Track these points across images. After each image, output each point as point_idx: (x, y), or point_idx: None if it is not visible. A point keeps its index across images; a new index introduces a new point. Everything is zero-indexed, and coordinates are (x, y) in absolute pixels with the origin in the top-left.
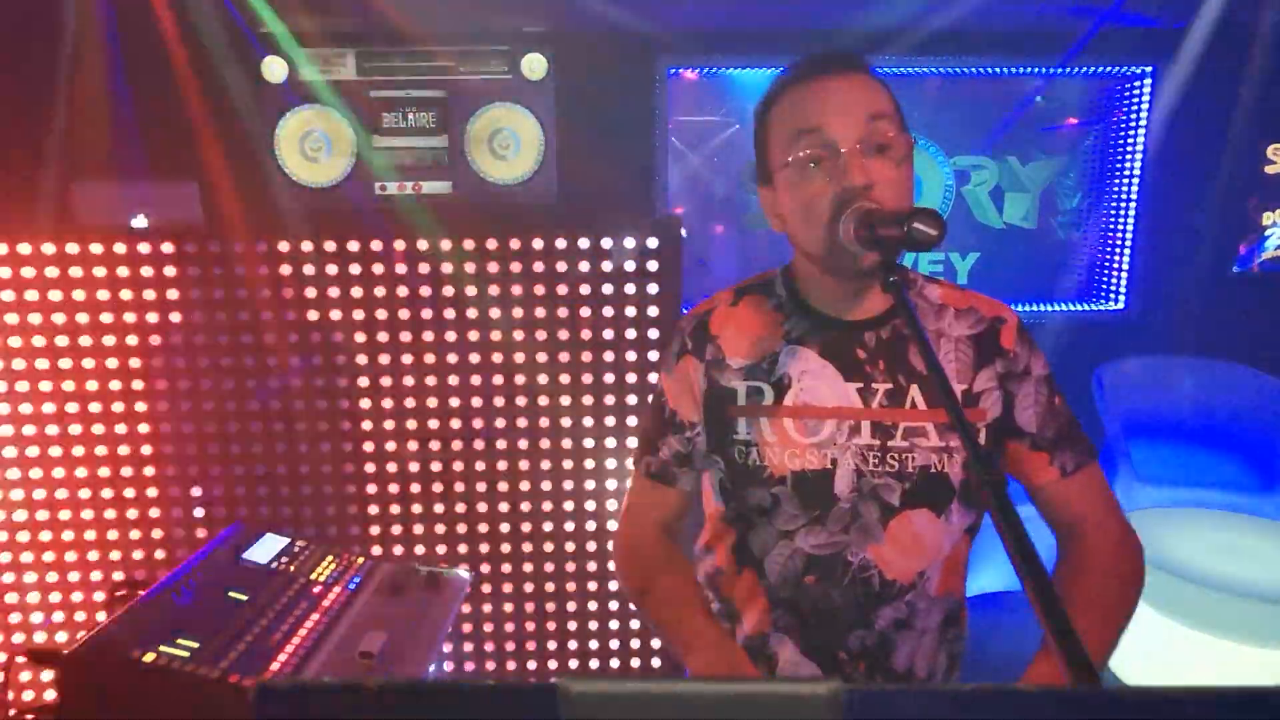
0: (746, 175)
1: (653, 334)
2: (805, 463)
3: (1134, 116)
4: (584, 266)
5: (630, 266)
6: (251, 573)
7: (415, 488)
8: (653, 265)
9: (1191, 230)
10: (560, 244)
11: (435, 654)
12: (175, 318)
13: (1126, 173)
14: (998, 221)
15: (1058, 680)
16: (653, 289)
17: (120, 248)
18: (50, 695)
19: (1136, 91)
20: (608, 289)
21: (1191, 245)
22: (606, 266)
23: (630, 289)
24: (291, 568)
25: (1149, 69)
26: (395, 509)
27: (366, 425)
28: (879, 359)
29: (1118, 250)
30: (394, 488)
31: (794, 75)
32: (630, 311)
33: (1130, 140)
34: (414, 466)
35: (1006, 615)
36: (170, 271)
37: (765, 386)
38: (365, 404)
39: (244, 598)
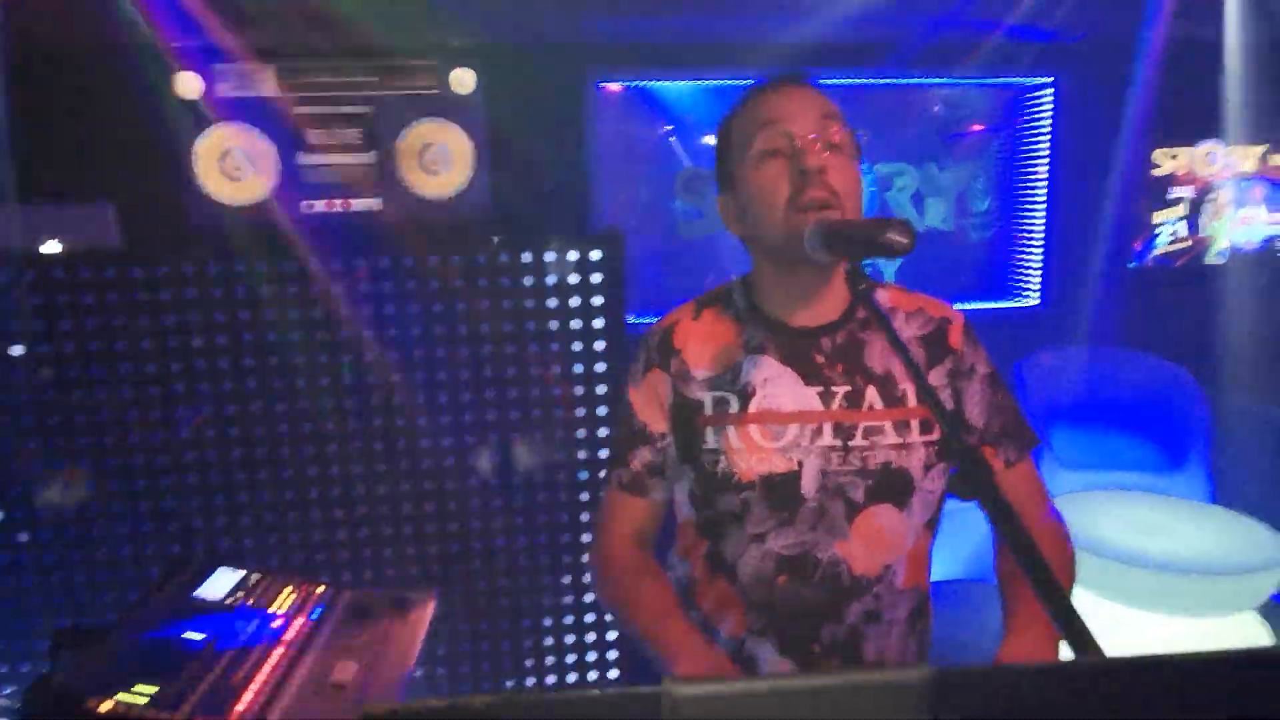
0: (679, 185)
1: (598, 346)
2: (772, 466)
3: (1038, 124)
4: (528, 281)
5: (574, 279)
6: (206, 610)
7: (363, 509)
8: (597, 278)
9: (1094, 229)
10: (503, 259)
11: (408, 679)
12: (94, 346)
13: (1035, 177)
14: (919, 225)
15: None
16: (597, 301)
17: (30, 275)
18: None
19: (1039, 100)
20: (552, 303)
21: (1095, 244)
22: (550, 280)
23: (575, 302)
24: (248, 601)
25: (1050, 79)
26: (341, 534)
27: (309, 450)
28: (836, 363)
29: (1031, 250)
30: (340, 512)
31: (753, 89)
32: (576, 324)
33: (1036, 146)
34: (360, 488)
35: (958, 602)
36: (89, 299)
37: (730, 396)
38: (307, 427)
39: (200, 637)
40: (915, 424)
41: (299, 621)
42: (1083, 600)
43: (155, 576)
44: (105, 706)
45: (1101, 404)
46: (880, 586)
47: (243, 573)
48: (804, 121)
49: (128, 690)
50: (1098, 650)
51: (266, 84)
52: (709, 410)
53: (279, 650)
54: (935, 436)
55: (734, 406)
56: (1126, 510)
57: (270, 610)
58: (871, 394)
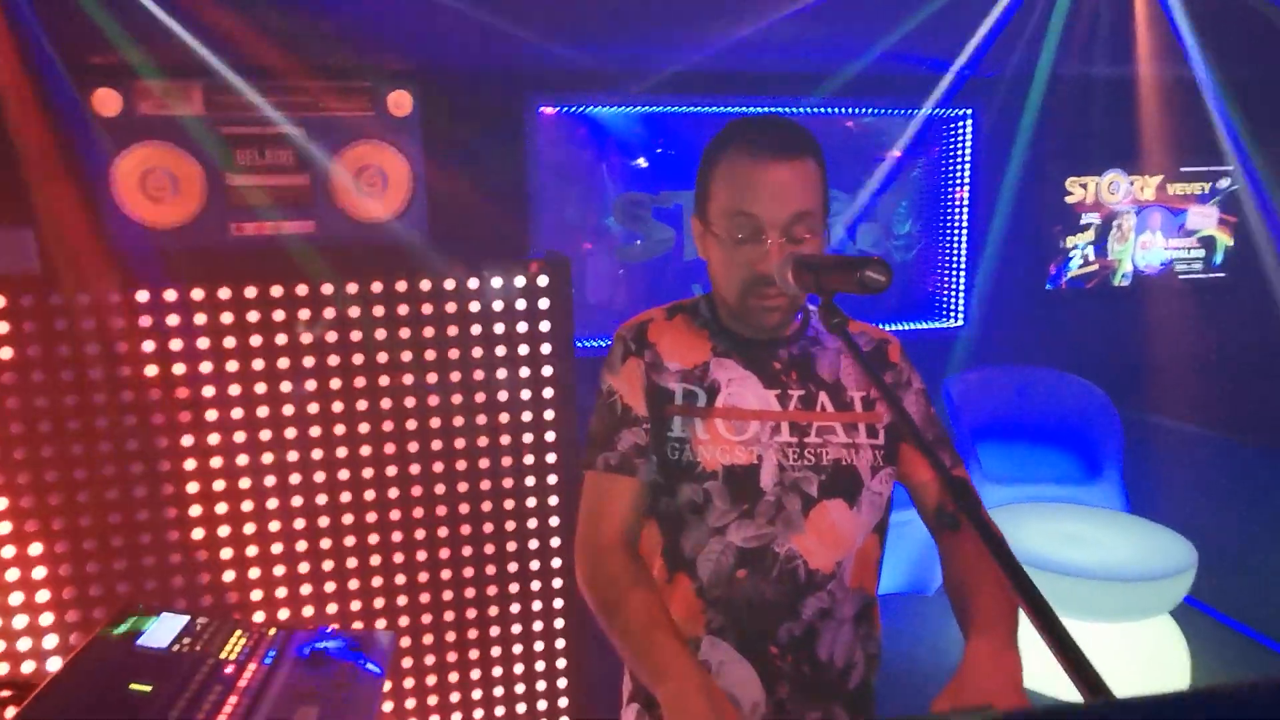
0: (618, 209)
1: (547, 371)
2: (734, 458)
3: (958, 152)
4: (474, 306)
5: (521, 305)
6: (151, 659)
7: (301, 545)
8: (544, 303)
9: (1012, 253)
10: (449, 284)
11: (374, 715)
12: (7, 379)
13: (956, 202)
14: (851, 250)
15: (996, 680)
16: (545, 326)
17: None
18: None
19: (959, 130)
20: (499, 328)
21: (1013, 267)
22: (498, 306)
23: (522, 327)
24: (197, 648)
25: (969, 111)
26: (279, 570)
27: (245, 483)
28: (791, 370)
29: (953, 273)
30: (277, 548)
31: (741, 143)
32: (524, 349)
33: (957, 173)
34: (299, 523)
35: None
36: (2, 328)
37: (698, 390)
38: (242, 460)
39: (148, 689)
40: (863, 427)
41: (252, 667)
42: None
43: (92, 623)
44: None
45: (1023, 420)
46: (833, 583)
47: (187, 617)
48: (775, 215)
49: None
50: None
51: (192, 103)
52: (679, 400)
53: (233, 699)
54: (880, 441)
55: (701, 400)
56: (1049, 522)
57: (221, 656)
58: (823, 398)
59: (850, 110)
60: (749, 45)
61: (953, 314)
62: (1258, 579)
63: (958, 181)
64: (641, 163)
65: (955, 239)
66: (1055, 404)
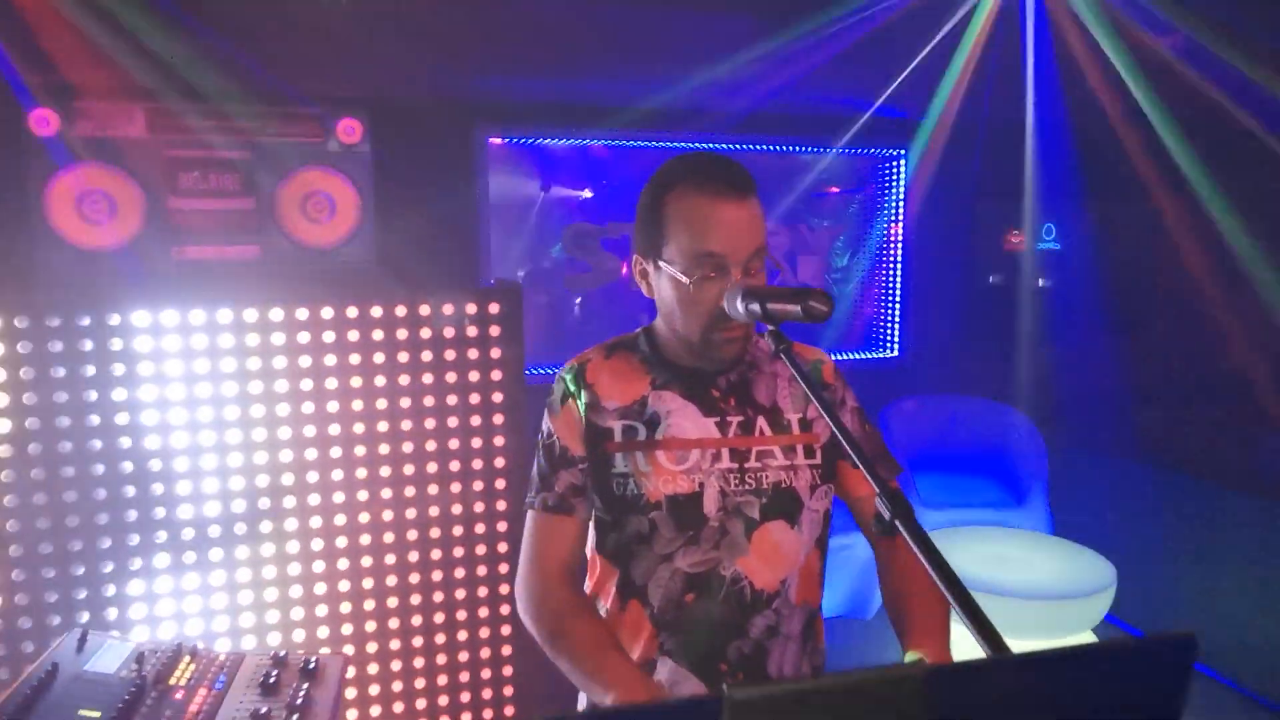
0: (567, 239)
1: (497, 398)
2: (677, 487)
3: (891, 189)
4: (425, 334)
5: (473, 332)
6: (99, 685)
7: (244, 574)
8: (495, 330)
9: (944, 290)
10: (400, 311)
11: None
12: None
13: (891, 238)
14: (792, 281)
15: None
16: (496, 354)
17: None
18: None
19: (892, 169)
20: (450, 355)
21: (946, 303)
22: (449, 333)
23: (473, 354)
24: (144, 673)
25: (902, 151)
26: (233, 598)
27: (186, 511)
28: (730, 397)
29: (890, 306)
30: (229, 574)
31: (697, 179)
32: (474, 376)
33: (891, 209)
34: (242, 551)
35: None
36: None
37: (638, 425)
38: (188, 486)
39: (97, 715)
40: (800, 449)
41: (201, 693)
42: None
43: (31, 650)
44: None
45: (955, 447)
46: (779, 601)
47: (133, 643)
48: (738, 254)
49: None
50: (1004, 646)
51: (134, 124)
52: (618, 437)
53: None
54: (817, 460)
55: (642, 434)
56: (979, 544)
57: (170, 683)
58: (761, 422)
59: (784, 148)
60: (688, 83)
61: (889, 345)
62: (1174, 597)
63: (893, 218)
64: (587, 194)
65: (891, 273)
66: (985, 431)
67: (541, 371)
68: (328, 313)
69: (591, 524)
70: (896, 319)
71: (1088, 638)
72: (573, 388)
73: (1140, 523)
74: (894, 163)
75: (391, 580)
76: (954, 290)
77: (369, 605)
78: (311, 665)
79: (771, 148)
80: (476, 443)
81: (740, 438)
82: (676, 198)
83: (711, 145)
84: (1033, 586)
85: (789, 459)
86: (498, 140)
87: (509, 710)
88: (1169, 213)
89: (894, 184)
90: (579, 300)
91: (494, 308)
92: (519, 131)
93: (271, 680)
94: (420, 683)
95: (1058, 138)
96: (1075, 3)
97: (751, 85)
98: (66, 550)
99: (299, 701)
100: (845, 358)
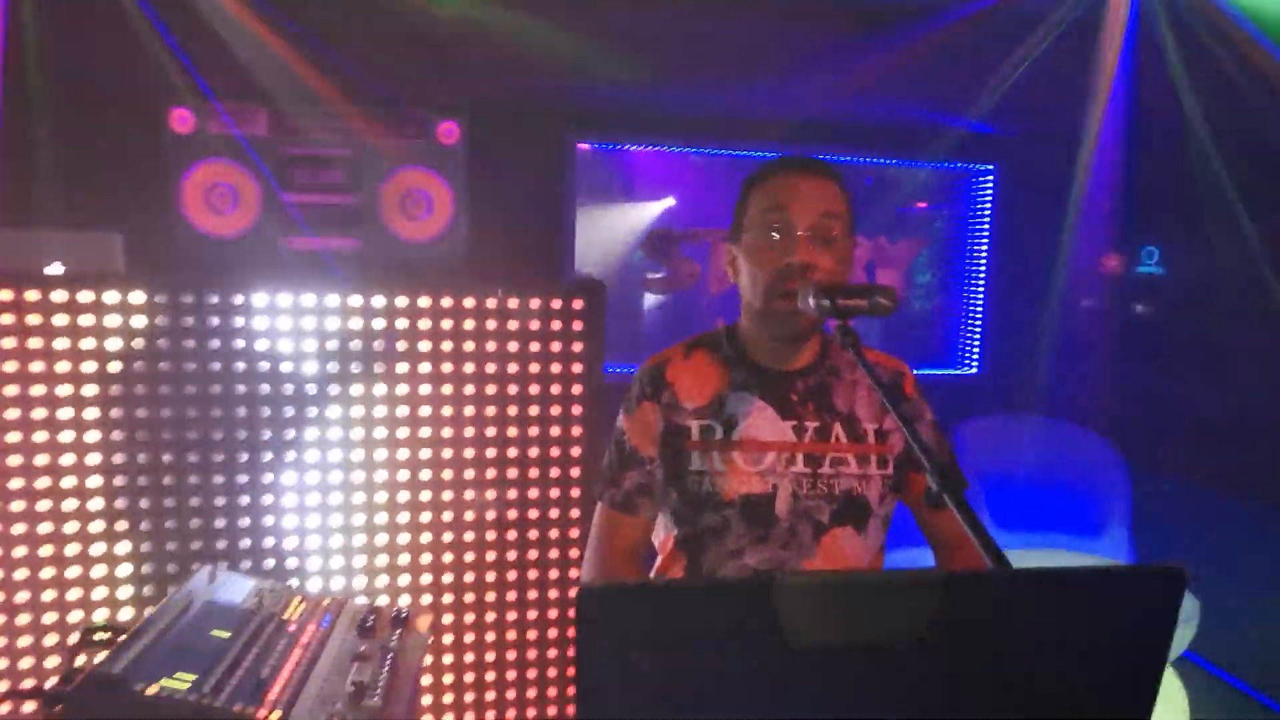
0: (648, 243)
1: (576, 390)
2: (751, 488)
3: (979, 204)
4: (512, 325)
5: (557, 326)
6: (228, 612)
7: (339, 539)
8: (577, 325)
9: (1031, 306)
10: (490, 304)
11: (416, 686)
12: (89, 367)
13: (976, 254)
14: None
15: None
16: (577, 348)
17: (33, 294)
18: None
19: (982, 185)
20: (535, 347)
21: (1031, 320)
22: (534, 326)
23: (556, 347)
24: (263, 605)
25: (991, 167)
26: (336, 546)
27: (289, 478)
28: (808, 402)
29: (972, 322)
30: (336, 535)
31: (776, 166)
32: (556, 368)
33: (978, 226)
34: (356, 513)
35: None
36: (88, 320)
37: (716, 424)
38: (289, 455)
39: (226, 635)
40: (874, 458)
41: (310, 628)
42: None
43: (158, 578)
44: (152, 690)
45: (1033, 469)
46: None
47: (253, 580)
48: (805, 214)
49: (170, 677)
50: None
51: (257, 124)
52: (695, 436)
53: (297, 651)
54: (889, 471)
55: (719, 434)
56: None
57: (284, 617)
58: (838, 429)
59: (873, 160)
60: (773, 94)
61: (969, 362)
62: (1259, 637)
63: (979, 233)
64: (670, 201)
65: (974, 289)
66: (1065, 455)
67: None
68: (424, 302)
69: (665, 510)
70: (978, 335)
71: (1165, 672)
72: (650, 389)
73: (1229, 557)
74: (984, 177)
75: (469, 556)
76: (1041, 309)
77: (447, 578)
78: (403, 615)
79: (858, 159)
80: (555, 431)
81: (816, 443)
82: (758, 181)
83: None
84: None
85: (862, 468)
86: (585, 146)
87: (568, 681)
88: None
89: (982, 199)
90: (655, 301)
91: (577, 303)
92: (606, 137)
93: (369, 625)
94: (490, 655)
95: (1161, 156)
96: (1184, 12)
97: (838, 97)
98: (200, 488)
99: (392, 643)
100: (924, 373)
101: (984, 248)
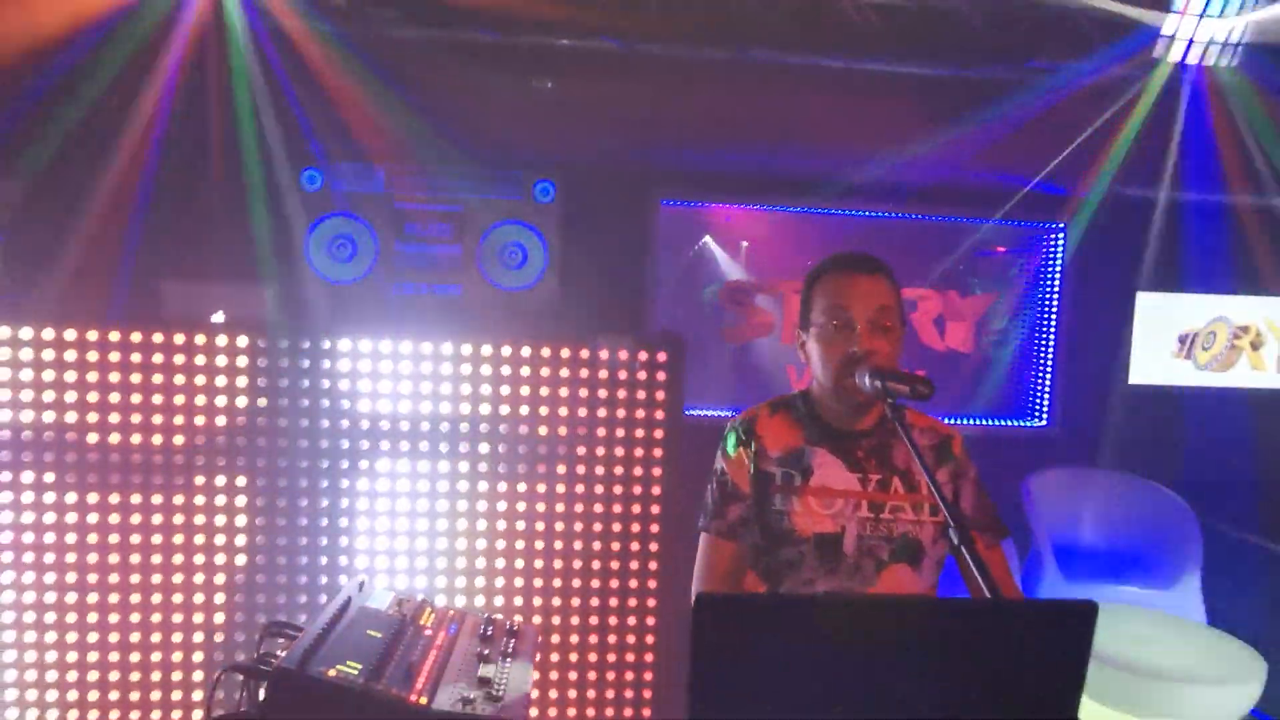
0: (724, 294)
1: (658, 434)
2: (823, 527)
3: (1051, 260)
4: (603, 374)
5: (642, 375)
6: (378, 616)
7: (443, 560)
8: (660, 375)
9: (1101, 359)
10: (583, 354)
11: (530, 690)
12: (242, 402)
13: (1047, 307)
14: (939, 345)
15: None
16: (659, 395)
17: (200, 339)
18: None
19: (1053, 240)
20: (621, 393)
21: (1101, 372)
22: (622, 375)
23: (640, 394)
24: (403, 612)
25: (1062, 225)
26: (423, 576)
27: (405, 504)
28: (871, 458)
29: (1042, 375)
30: (424, 559)
31: (836, 264)
32: (640, 414)
33: (1049, 279)
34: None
35: None
36: (243, 362)
37: (795, 473)
38: (404, 484)
39: (379, 635)
40: (927, 507)
41: (442, 634)
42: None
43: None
44: (332, 673)
45: (1102, 523)
46: None
47: (394, 592)
48: (863, 310)
49: (342, 664)
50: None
51: (374, 182)
52: (779, 480)
53: (434, 652)
54: (940, 519)
55: (797, 480)
56: (1120, 623)
57: (420, 623)
58: (896, 482)
59: (954, 219)
60: (855, 157)
61: (1039, 414)
62: None
63: (1051, 287)
64: (745, 251)
65: (1045, 342)
66: (1134, 509)
67: (691, 412)
68: (525, 351)
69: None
70: (1048, 388)
71: None
72: (744, 437)
73: None
74: (1055, 235)
75: (559, 582)
76: (1111, 361)
77: (537, 601)
78: (515, 628)
79: (927, 217)
80: (638, 471)
81: (877, 493)
82: (820, 279)
83: (867, 215)
84: (1170, 669)
85: (917, 515)
86: (671, 205)
87: (645, 692)
88: None
89: (1054, 255)
90: (730, 349)
91: (661, 355)
92: (690, 196)
93: (488, 634)
94: (578, 657)
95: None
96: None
97: (906, 164)
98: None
99: (509, 650)
100: (992, 424)
101: (1054, 300)
